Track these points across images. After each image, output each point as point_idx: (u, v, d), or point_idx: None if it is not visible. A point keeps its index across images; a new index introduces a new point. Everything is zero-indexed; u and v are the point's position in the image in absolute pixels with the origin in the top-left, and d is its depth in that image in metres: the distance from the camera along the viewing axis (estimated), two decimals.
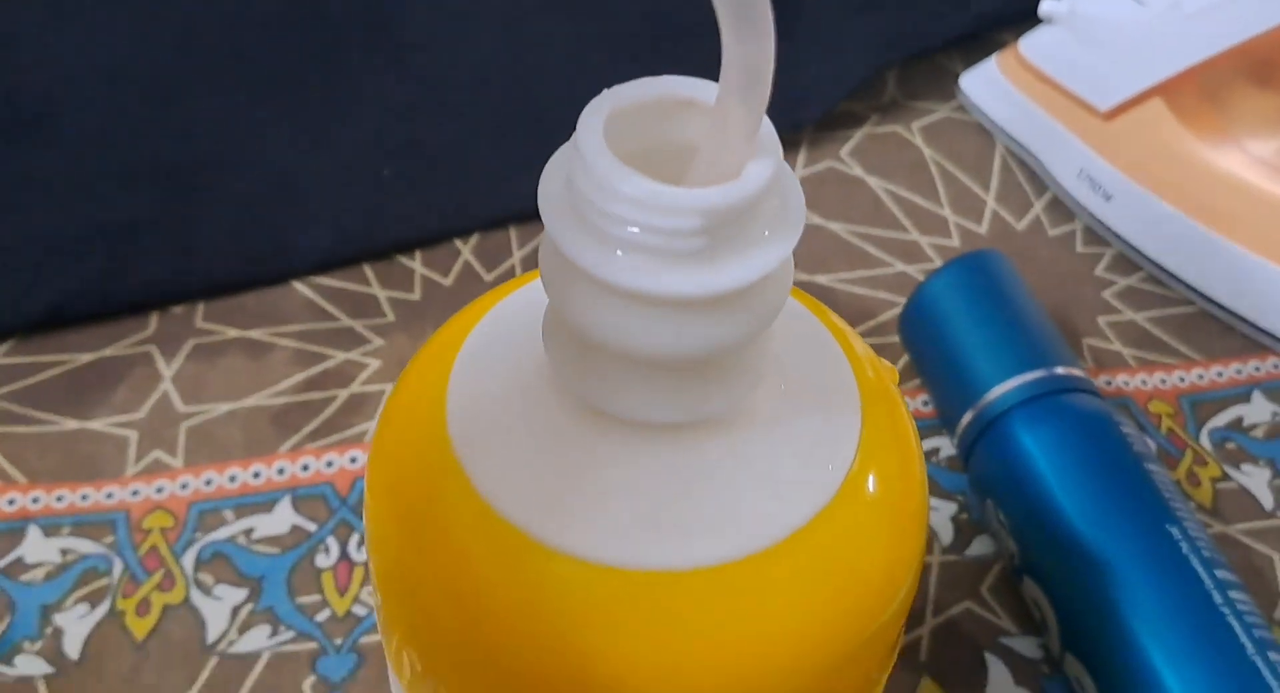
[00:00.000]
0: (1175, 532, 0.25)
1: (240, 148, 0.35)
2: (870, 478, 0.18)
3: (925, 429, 0.31)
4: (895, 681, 0.27)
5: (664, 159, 0.16)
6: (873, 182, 0.36)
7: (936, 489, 0.30)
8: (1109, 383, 0.32)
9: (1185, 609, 0.24)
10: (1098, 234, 0.35)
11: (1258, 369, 0.33)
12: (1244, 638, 0.24)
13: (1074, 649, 0.25)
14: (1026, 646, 0.27)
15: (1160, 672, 0.24)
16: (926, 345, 0.30)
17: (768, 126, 0.15)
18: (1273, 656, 0.24)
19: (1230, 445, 0.31)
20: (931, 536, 0.29)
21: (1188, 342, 0.33)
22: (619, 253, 0.14)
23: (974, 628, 0.28)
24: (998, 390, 0.28)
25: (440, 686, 0.18)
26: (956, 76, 0.38)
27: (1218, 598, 0.24)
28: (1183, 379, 0.32)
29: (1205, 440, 0.31)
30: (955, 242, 0.35)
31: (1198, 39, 0.31)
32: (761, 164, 0.14)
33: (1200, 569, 0.25)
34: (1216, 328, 0.33)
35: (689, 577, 0.17)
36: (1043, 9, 0.35)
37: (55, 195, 0.34)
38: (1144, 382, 0.32)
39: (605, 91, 0.15)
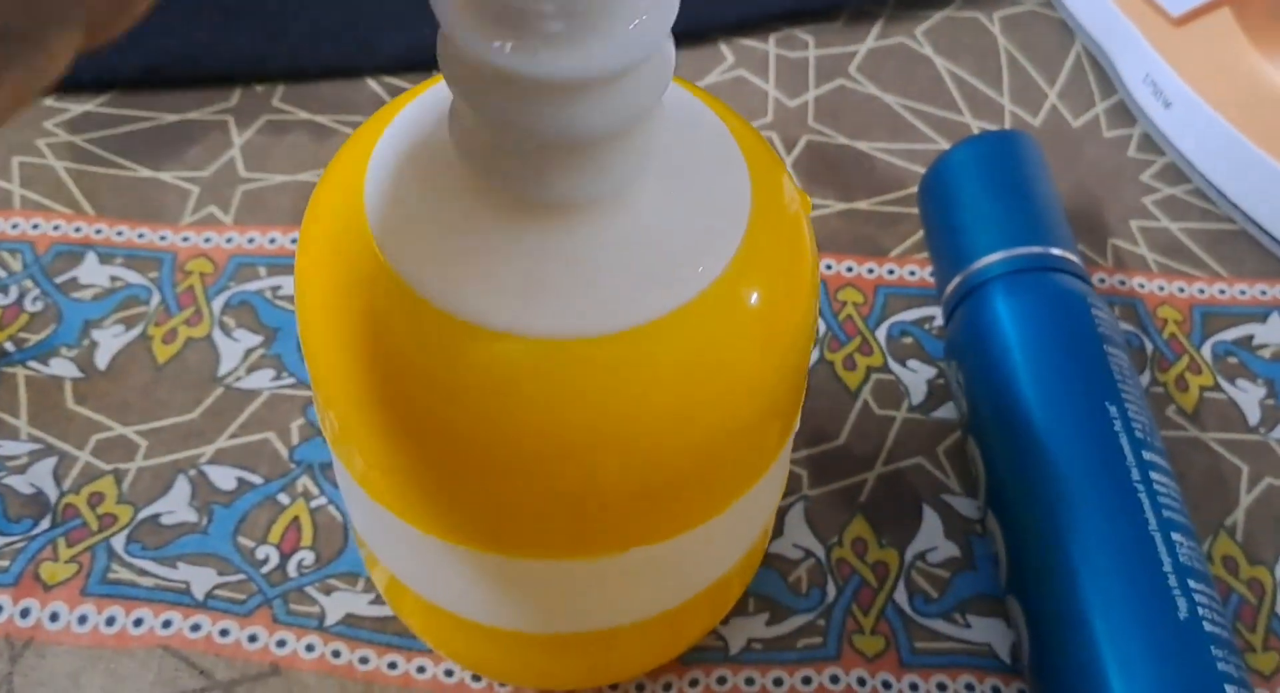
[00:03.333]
0: (1113, 410, 0.26)
1: None
2: (741, 287, 0.19)
3: (926, 298, 0.32)
4: (829, 517, 0.28)
5: None
6: (939, 61, 0.36)
7: (921, 354, 0.31)
8: (1123, 283, 0.32)
9: (1100, 480, 0.25)
10: (1154, 142, 0.35)
11: None
12: (1150, 514, 0.24)
13: (995, 508, 0.26)
14: (965, 506, 0.28)
15: (1062, 534, 0.25)
16: (936, 213, 0.31)
17: None
18: (1175, 535, 0.24)
19: (1232, 360, 0.31)
20: (902, 393, 0.30)
21: (1217, 257, 0.33)
22: (494, 35, 0.16)
23: (919, 481, 0.29)
24: (987, 259, 0.29)
25: (354, 441, 0.20)
26: None
27: (1135, 475, 0.25)
28: (1202, 291, 0.32)
29: (1207, 350, 0.31)
30: (1006, 128, 0.35)
31: None
32: None
33: (1127, 447, 0.25)
34: (1252, 248, 0.33)
35: (570, 345, 0.18)
36: None
37: None
38: (1161, 288, 0.32)
39: None
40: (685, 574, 0.22)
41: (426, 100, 0.20)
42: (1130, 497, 0.24)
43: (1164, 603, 0.23)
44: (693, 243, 0.19)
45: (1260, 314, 0.32)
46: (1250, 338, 0.31)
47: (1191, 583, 0.24)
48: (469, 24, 0.16)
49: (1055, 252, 0.29)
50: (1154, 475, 0.25)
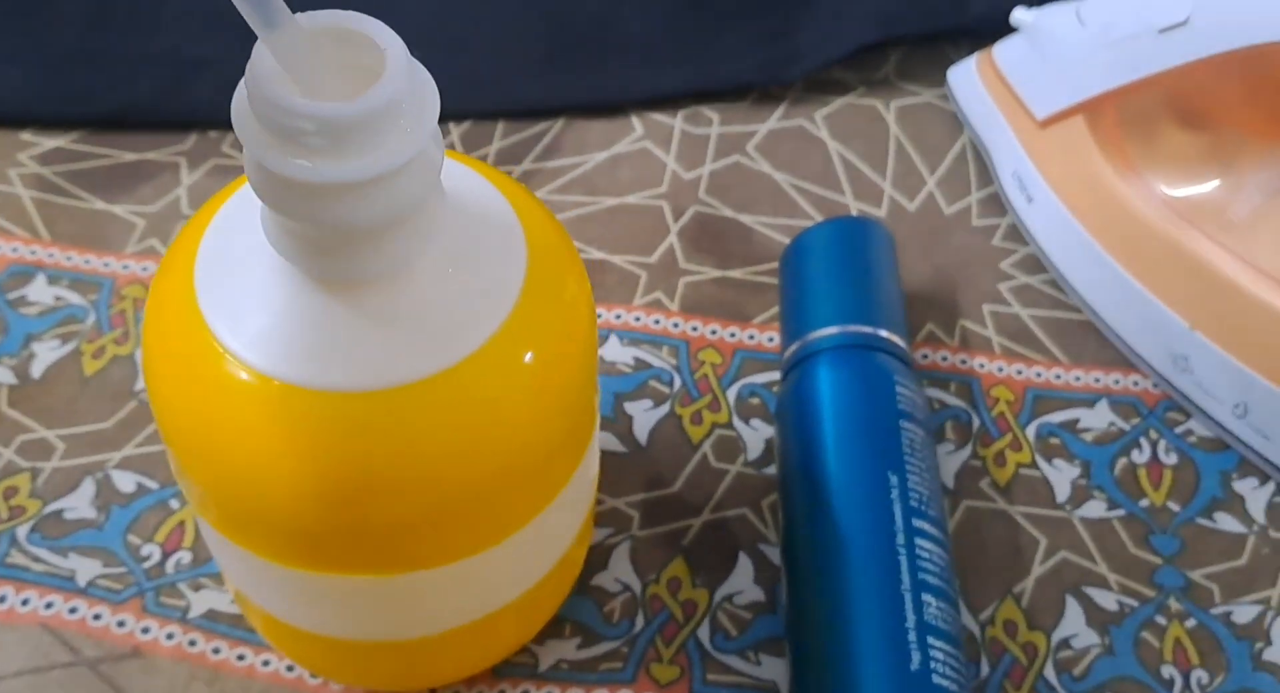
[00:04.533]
0: (894, 479, 0.29)
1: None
2: (515, 344, 0.23)
3: (775, 363, 0.35)
4: (652, 556, 0.31)
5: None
6: (833, 145, 0.40)
7: (765, 414, 0.34)
8: (964, 362, 0.35)
9: (867, 539, 0.28)
10: (1019, 233, 0.38)
11: (1117, 382, 0.35)
12: (905, 574, 0.27)
13: (785, 557, 0.29)
14: (778, 555, 0.31)
15: (825, 584, 0.28)
16: (788, 285, 0.34)
17: (397, 63, 0.19)
18: (926, 596, 0.27)
19: (1054, 440, 0.34)
20: (740, 448, 0.33)
21: (1060, 344, 0.36)
22: (271, 141, 0.20)
23: (740, 530, 0.32)
24: (820, 332, 0.32)
25: (184, 472, 0.24)
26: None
27: (900, 539, 0.28)
28: (1039, 375, 0.35)
29: (1031, 430, 0.34)
30: (882, 211, 0.38)
31: (1117, 66, 0.34)
32: (372, 94, 0.19)
33: (899, 513, 0.28)
34: (1095, 340, 0.36)
35: (357, 398, 0.22)
36: (1013, 17, 0.37)
37: (156, 22, 0.41)
38: (1000, 369, 0.35)
39: (295, 15, 0.20)
40: (474, 594, 0.26)
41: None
42: (890, 557, 0.27)
43: (899, 655, 0.26)
44: (466, 310, 0.22)
45: (1089, 400, 0.35)
46: (1076, 421, 0.34)
47: (931, 639, 0.27)
48: (256, 136, 0.20)
49: (881, 333, 0.32)
50: (919, 541, 0.28)
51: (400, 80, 0.19)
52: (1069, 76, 0.35)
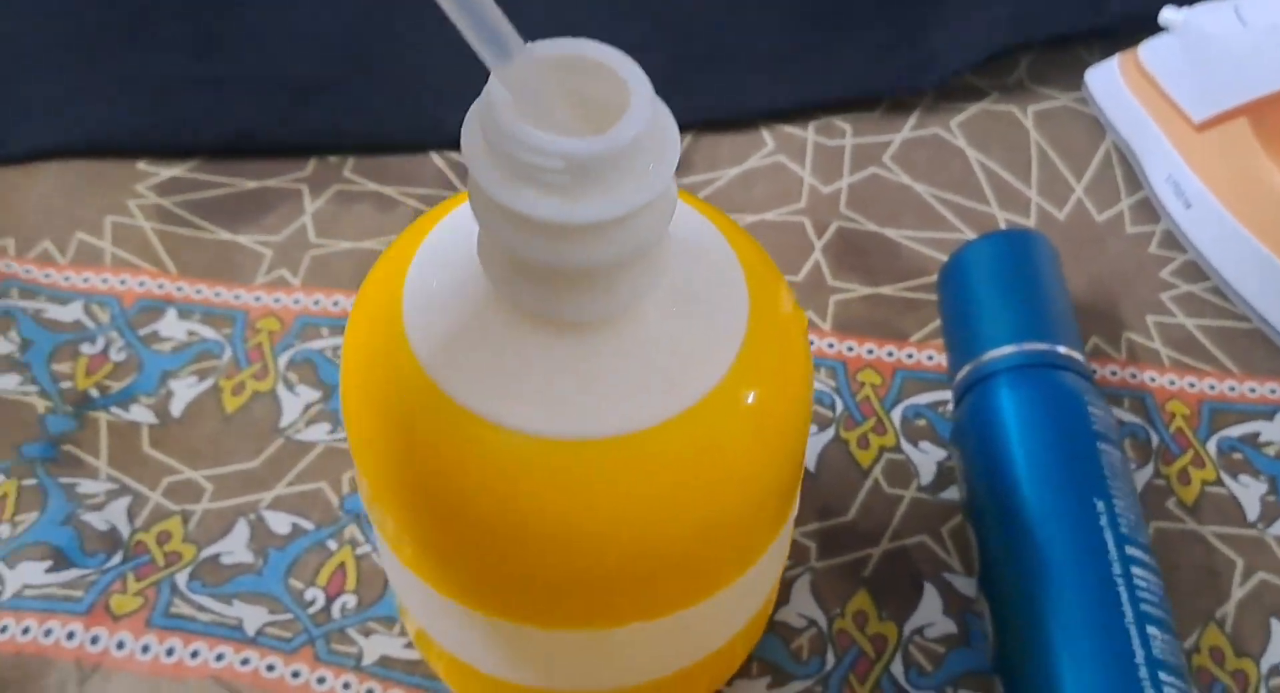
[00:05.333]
0: (1100, 505, 0.27)
1: (412, 33, 0.40)
2: (740, 389, 0.21)
3: (941, 383, 0.33)
4: (834, 588, 0.30)
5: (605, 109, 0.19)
6: (972, 153, 0.38)
7: (934, 437, 0.32)
8: (1134, 376, 0.34)
9: (1082, 571, 0.26)
10: (1176, 239, 0.36)
11: None
12: (1127, 606, 0.26)
13: (986, 589, 0.28)
14: (966, 585, 0.30)
15: (1044, 620, 0.26)
16: (952, 304, 0.33)
17: (642, 98, 0.18)
18: (1150, 629, 0.26)
19: (1236, 456, 0.32)
20: (912, 473, 0.32)
21: (1230, 354, 0.34)
22: (512, 181, 0.18)
23: (922, 558, 0.30)
24: (996, 352, 0.31)
25: (385, 512, 0.23)
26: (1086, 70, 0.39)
27: (1117, 569, 0.26)
28: (1212, 387, 0.34)
29: (1212, 446, 0.32)
30: (1032, 221, 0.37)
31: None
32: (620, 130, 0.18)
33: (1110, 541, 0.27)
34: (1264, 347, 0.34)
35: (580, 446, 0.21)
36: (1162, 17, 0.36)
37: (263, 47, 0.40)
38: (1172, 382, 0.34)
39: (527, 44, 0.18)
40: (684, 645, 0.25)
41: (460, 215, 0.23)
42: (1110, 590, 0.26)
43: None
44: (694, 353, 0.21)
45: (1268, 412, 0.33)
46: (1257, 435, 0.33)
47: (1162, 675, 0.25)
48: (491, 170, 0.18)
49: (1060, 350, 0.30)
50: (1135, 569, 0.27)
51: (647, 113, 0.18)
52: (1231, 77, 0.34)
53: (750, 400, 0.22)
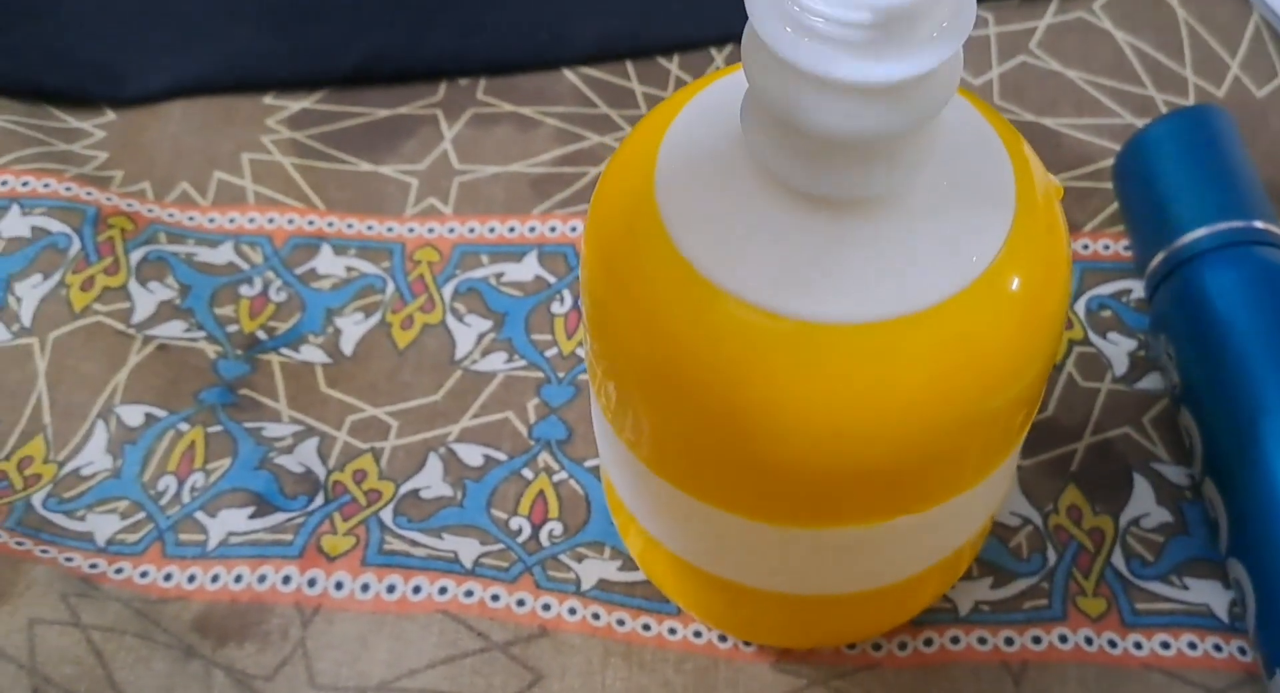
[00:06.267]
0: None
1: None
2: (1008, 275, 0.21)
3: (1121, 272, 0.33)
4: (1043, 485, 0.30)
5: None
6: (1119, 35, 0.37)
7: (1121, 326, 0.32)
8: None
9: None
10: None
11: None
12: None
13: (1213, 475, 0.28)
14: (1175, 473, 0.30)
15: None
16: (1134, 190, 0.32)
17: None
18: None
19: None
20: (1105, 365, 0.31)
21: None
22: (805, 40, 0.17)
23: (1128, 450, 0.30)
24: (1192, 235, 0.30)
25: (632, 413, 0.22)
26: None
27: None
28: None
29: None
30: (1191, 100, 0.36)
31: None
32: None
33: None
34: None
35: (835, 330, 0.20)
36: None
37: None
38: None
39: None
40: (931, 544, 0.24)
41: (718, 90, 0.22)
42: None
43: None
44: (964, 235, 0.20)
45: None
46: None
47: None
48: (776, 24, 0.18)
49: (1258, 225, 0.30)
50: None
51: None
52: None
53: (1017, 285, 0.21)
